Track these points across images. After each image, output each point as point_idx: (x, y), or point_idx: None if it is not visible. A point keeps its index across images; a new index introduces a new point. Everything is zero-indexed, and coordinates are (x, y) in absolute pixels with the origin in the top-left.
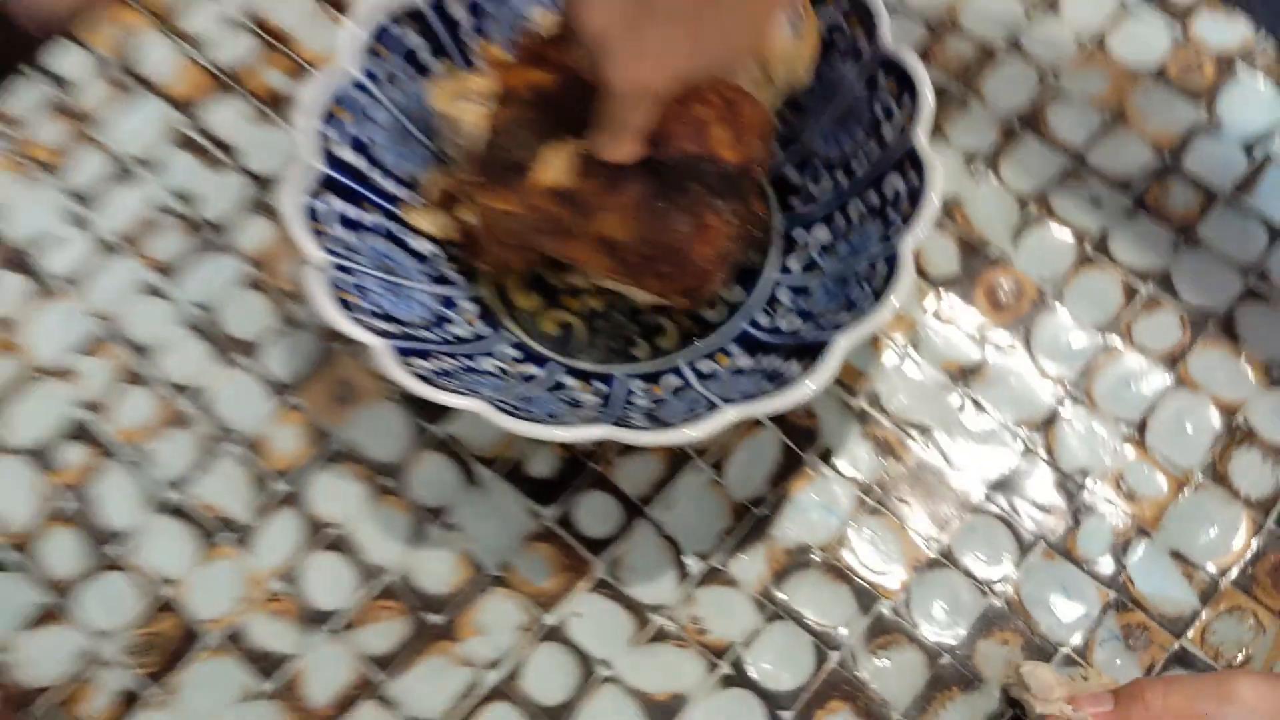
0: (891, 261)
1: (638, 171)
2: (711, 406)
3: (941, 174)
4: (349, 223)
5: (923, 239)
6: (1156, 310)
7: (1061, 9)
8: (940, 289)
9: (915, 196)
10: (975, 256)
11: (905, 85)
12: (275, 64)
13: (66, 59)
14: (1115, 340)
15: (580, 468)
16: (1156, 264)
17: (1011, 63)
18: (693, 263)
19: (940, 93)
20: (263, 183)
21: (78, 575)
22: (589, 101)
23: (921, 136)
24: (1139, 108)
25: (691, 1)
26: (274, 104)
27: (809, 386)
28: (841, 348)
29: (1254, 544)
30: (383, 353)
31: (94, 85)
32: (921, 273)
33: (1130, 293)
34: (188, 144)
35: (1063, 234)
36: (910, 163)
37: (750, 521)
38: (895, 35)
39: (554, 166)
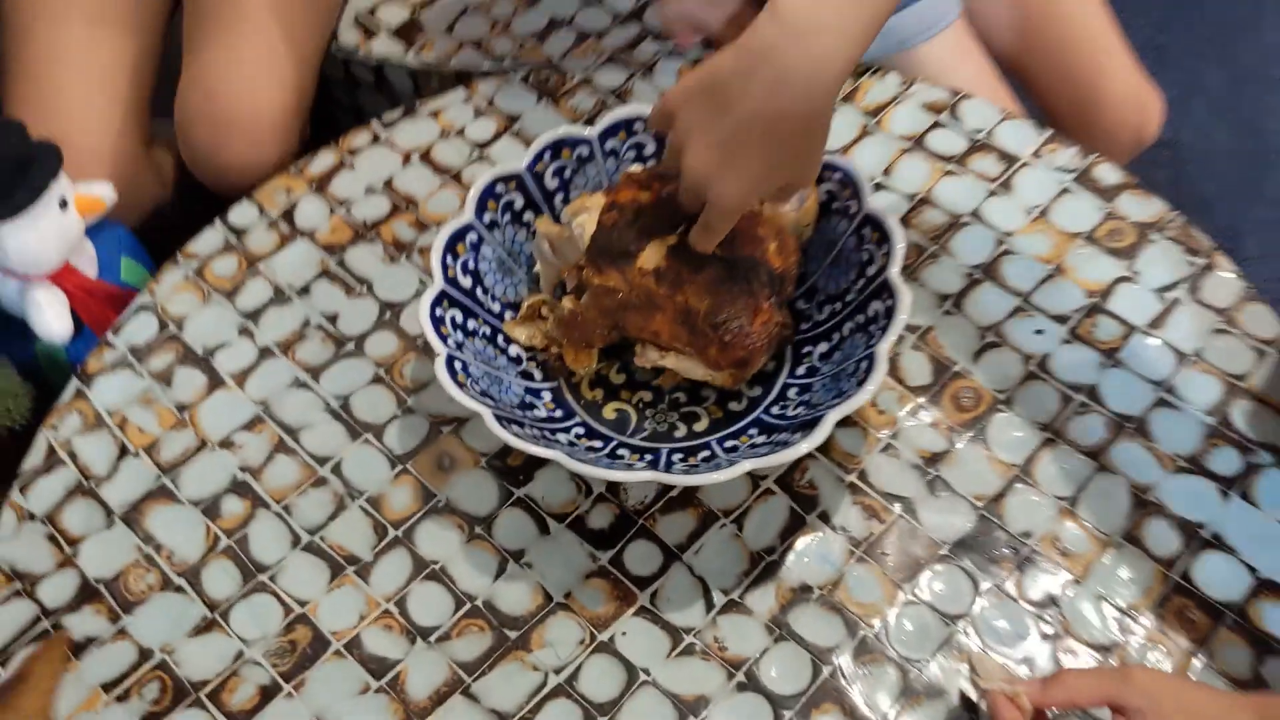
0: (871, 360)
1: (714, 261)
2: (732, 464)
3: (910, 299)
4: (462, 328)
5: (894, 343)
6: (1087, 413)
7: (1015, 188)
8: (917, 395)
9: (890, 314)
10: (944, 371)
11: (883, 235)
12: (403, 218)
13: (243, 212)
14: (1052, 436)
15: (630, 522)
16: (1087, 379)
17: (974, 227)
18: (748, 335)
19: (918, 249)
20: (389, 307)
21: (233, 596)
22: (673, 213)
23: (895, 272)
24: (1073, 263)
25: (761, 151)
26: (400, 248)
27: (803, 446)
28: (831, 420)
29: (1161, 591)
30: (488, 417)
31: (262, 232)
32: (902, 383)
33: (1066, 400)
34: (332, 277)
35: (1013, 356)
36: (886, 291)
37: (763, 566)
38: (879, 204)
39: (653, 254)
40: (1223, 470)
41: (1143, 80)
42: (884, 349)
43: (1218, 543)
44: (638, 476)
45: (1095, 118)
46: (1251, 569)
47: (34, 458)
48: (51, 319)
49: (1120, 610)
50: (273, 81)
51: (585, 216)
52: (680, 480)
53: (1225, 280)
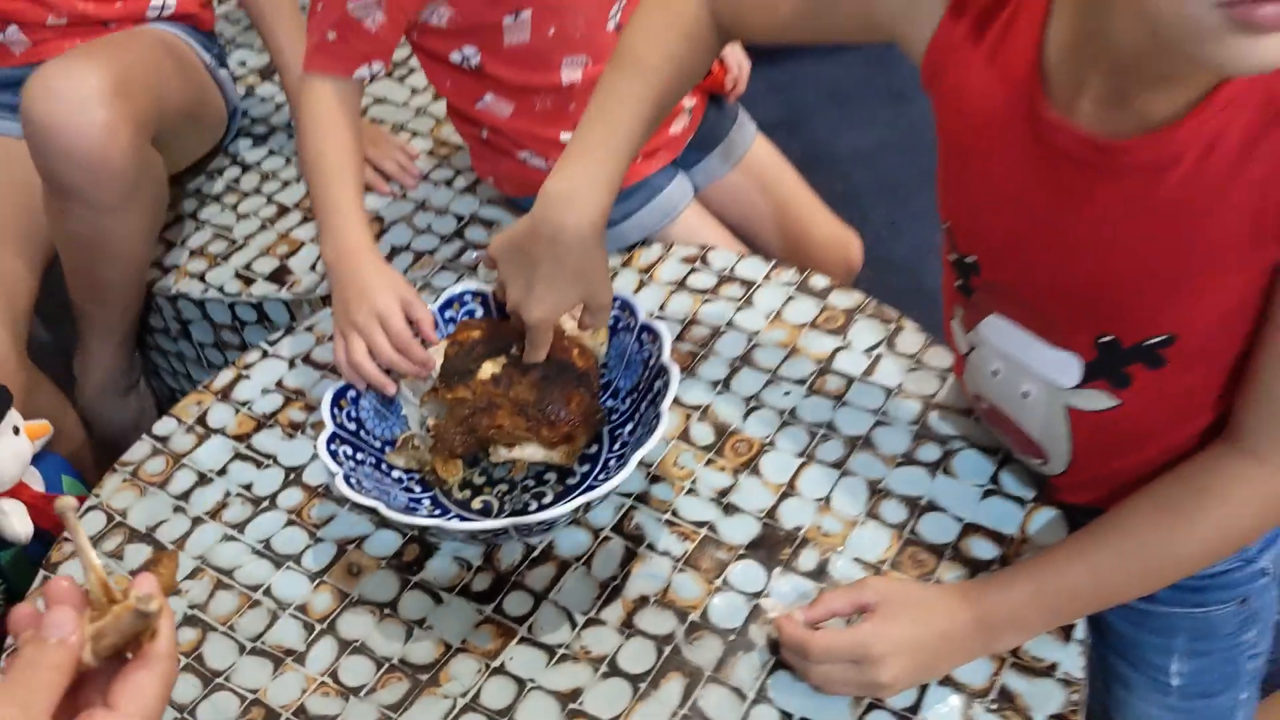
0: (657, 419)
1: (534, 367)
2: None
3: (678, 372)
4: (352, 458)
5: (671, 403)
6: (828, 440)
7: (755, 302)
8: (706, 452)
9: (666, 388)
10: (723, 431)
11: (655, 335)
12: (294, 406)
13: (165, 424)
14: (806, 459)
15: (505, 580)
16: (825, 418)
17: (730, 333)
18: (569, 414)
19: (692, 354)
20: (292, 470)
21: (197, 698)
22: (498, 342)
23: (665, 355)
24: (804, 344)
25: (555, 284)
26: (295, 428)
27: (614, 481)
28: (633, 460)
29: (898, 546)
30: (384, 508)
31: (181, 436)
32: (694, 445)
33: (812, 435)
34: (244, 458)
35: (771, 412)
36: (662, 373)
37: (610, 589)
38: (650, 319)
39: (489, 368)
40: (928, 459)
41: (840, 225)
42: (664, 406)
43: (932, 507)
44: (492, 524)
45: (811, 259)
46: (959, 519)
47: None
48: (16, 523)
49: (872, 565)
50: None
51: (435, 355)
52: (516, 521)
53: (912, 335)
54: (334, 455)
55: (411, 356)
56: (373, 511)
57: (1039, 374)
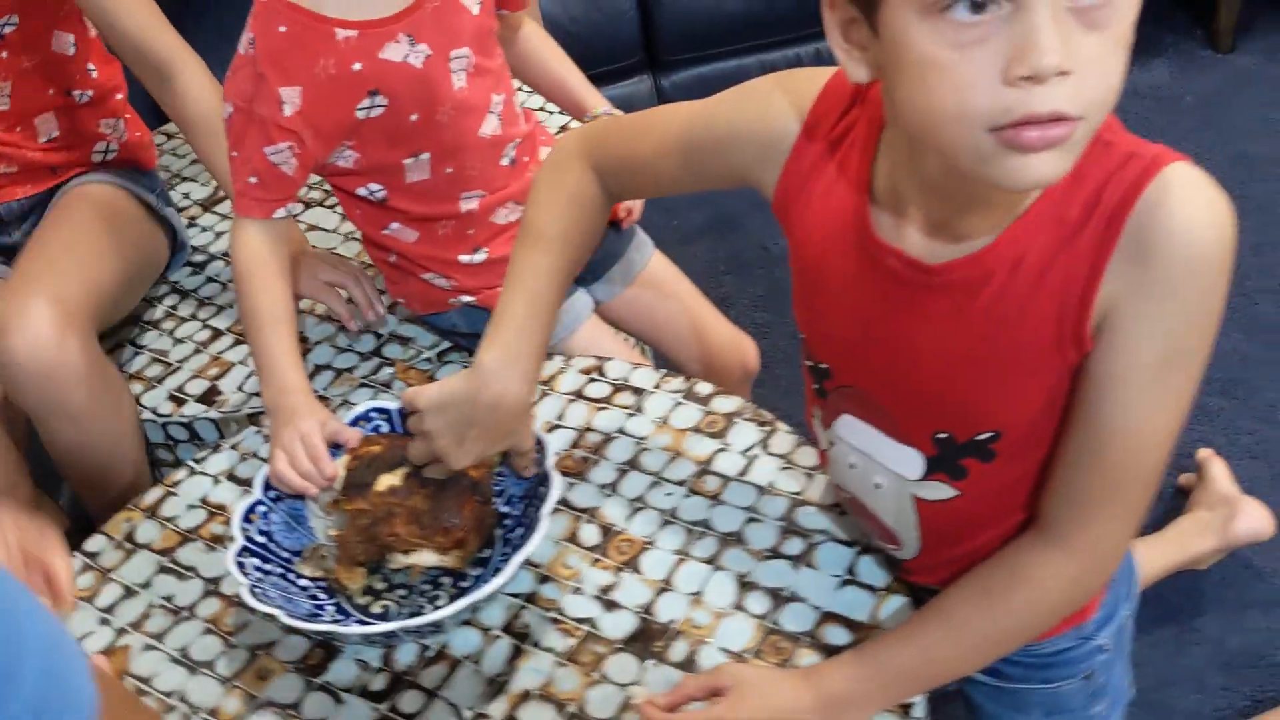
0: (536, 520)
1: (429, 480)
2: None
3: (561, 480)
4: (259, 569)
5: (552, 508)
6: (704, 537)
7: (645, 409)
8: (592, 553)
9: (547, 495)
10: (608, 532)
11: (542, 448)
12: (216, 521)
13: (95, 541)
14: (683, 556)
15: (400, 680)
16: (702, 516)
17: (620, 439)
18: (464, 521)
19: (585, 459)
20: (211, 581)
21: None
22: (396, 458)
23: (549, 464)
24: (687, 447)
25: (486, 440)
26: (217, 540)
27: (490, 587)
28: (514, 562)
29: (760, 635)
30: (283, 616)
31: (111, 551)
32: (581, 546)
33: (689, 532)
34: (167, 570)
35: (654, 513)
36: (545, 481)
37: (496, 685)
38: (541, 433)
39: (386, 480)
40: (792, 552)
41: (736, 330)
42: (544, 511)
43: (794, 598)
44: (376, 628)
45: (711, 363)
46: (816, 608)
47: None
48: None
49: (736, 654)
50: None
51: (339, 469)
52: (400, 625)
53: (784, 437)
54: (241, 567)
55: (321, 469)
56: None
57: (888, 468)
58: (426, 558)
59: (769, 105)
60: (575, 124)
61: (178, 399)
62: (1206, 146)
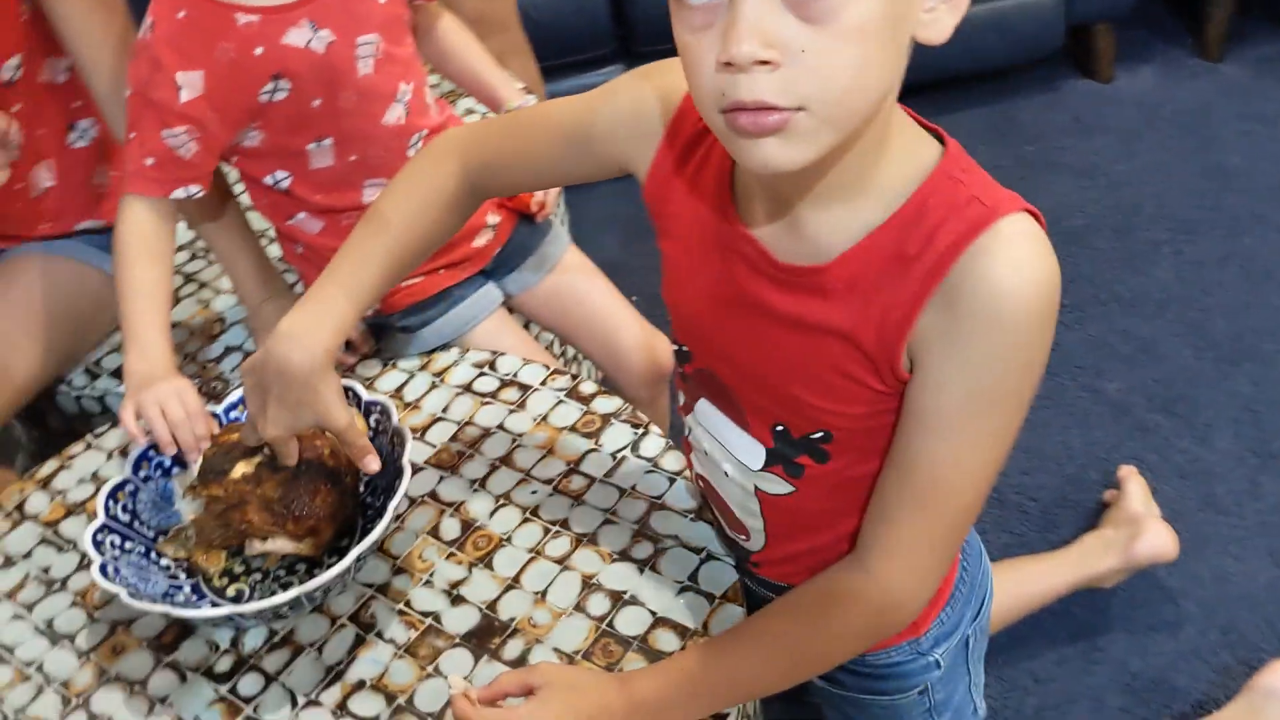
0: (383, 512)
1: (284, 466)
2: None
3: (409, 474)
4: (119, 547)
5: (398, 501)
6: (559, 537)
7: (528, 406)
8: (450, 546)
9: (397, 488)
10: (468, 527)
11: (402, 441)
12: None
13: None
14: (535, 555)
15: (244, 663)
16: (562, 515)
17: (498, 434)
18: (313, 510)
19: (460, 453)
20: (87, 555)
21: None
22: (255, 444)
23: (404, 459)
24: (561, 445)
25: (284, 408)
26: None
27: (333, 572)
28: (353, 553)
29: (594, 638)
30: (125, 596)
31: (0, 521)
32: (439, 539)
33: (546, 530)
34: (49, 543)
35: (515, 511)
36: (399, 474)
37: (333, 674)
38: (402, 426)
39: (241, 468)
40: (640, 556)
41: (649, 329)
42: (391, 504)
43: (633, 601)
44: (207, 613)
45: (620, 361)
46: (652, 613)
47: None
48: None
49: (567, 655)
50: None
51: (196, 456)
52: (229, 610)
53: (654, 440)
54: (98, 545)
55: (195, 427)
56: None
57: (734, 456)
58: (282, 545)
59: (641, 98)
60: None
61: (92, 373)
62: (1182, 156)
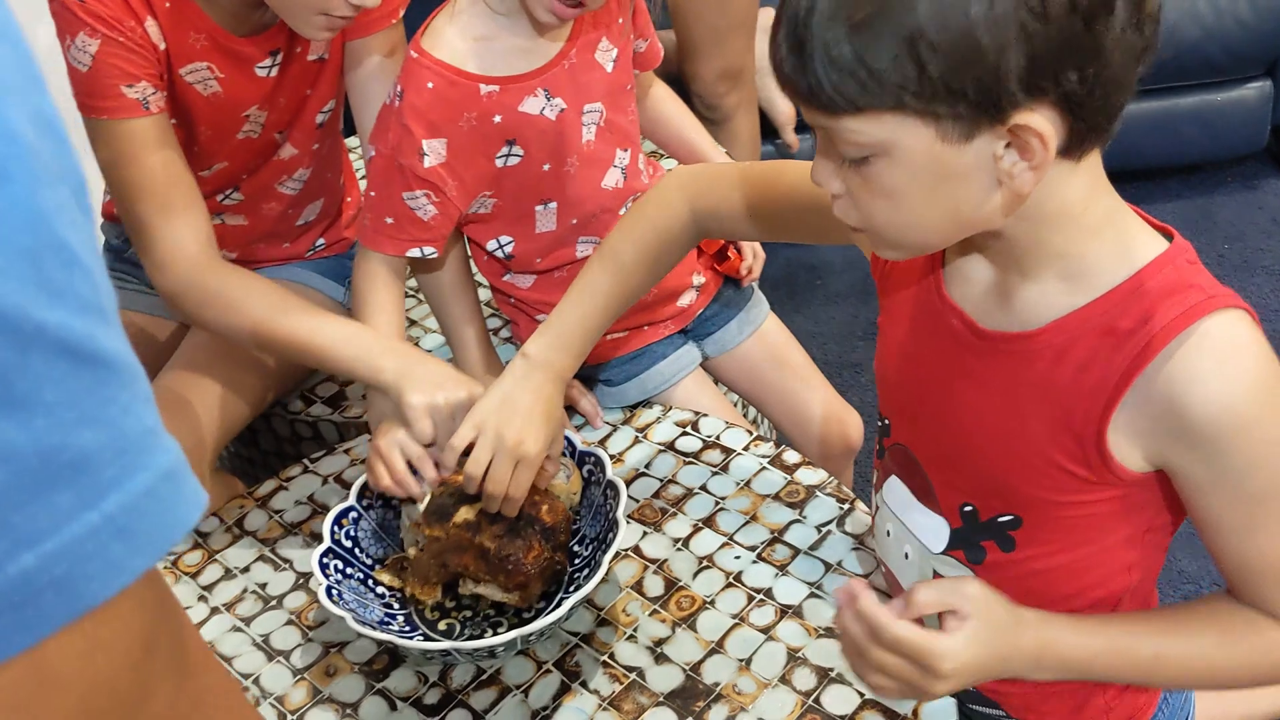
0: (597, 568)
1: (503, 518)
2: (510, 644)
3: (625, 528)
4: (341, 572)
5: (613, 555)
6: (764, 605)
7: (730, 469)
8: (653, 603)
9: (612, 541)
10: (672, 585)
11: (617, 494)
12: (319, 518)
13: (209, 522)
14: (739, 621)
15: (452, 698)
16: (765, 584)
17: (700, 495)
18: (523, 565)
19: (662, 510)
20: (303, 575)
21: None
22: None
23: (619, 513)
24: (764, 513)
25: (522, 424)
26: (315, 538)
27: (538, 624)
28: (567, 604)
29: (798, 713)
30: (352, 621)
31: (220, 534)
32: (644, 595)
33: (750, 599)
34: (265, 560)
35: (719, 574)
36: (614, 527)
37: (540, 718)
38: (617, 479)
39: (464, 514)
40: None
41: (842, 403)
42: (606, 557)
43: (841, 680)
44: (427, 646)
45: (810, 433)
46: (860, 694)
47: None
48: None
49: None
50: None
51: (427, 493)
52: (480, 644)
53: (861, 517)
54: (324, 568)
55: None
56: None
57: (916, 536)
58: (491, 592)
59: None
60: None
61: (308, 399)
62: None
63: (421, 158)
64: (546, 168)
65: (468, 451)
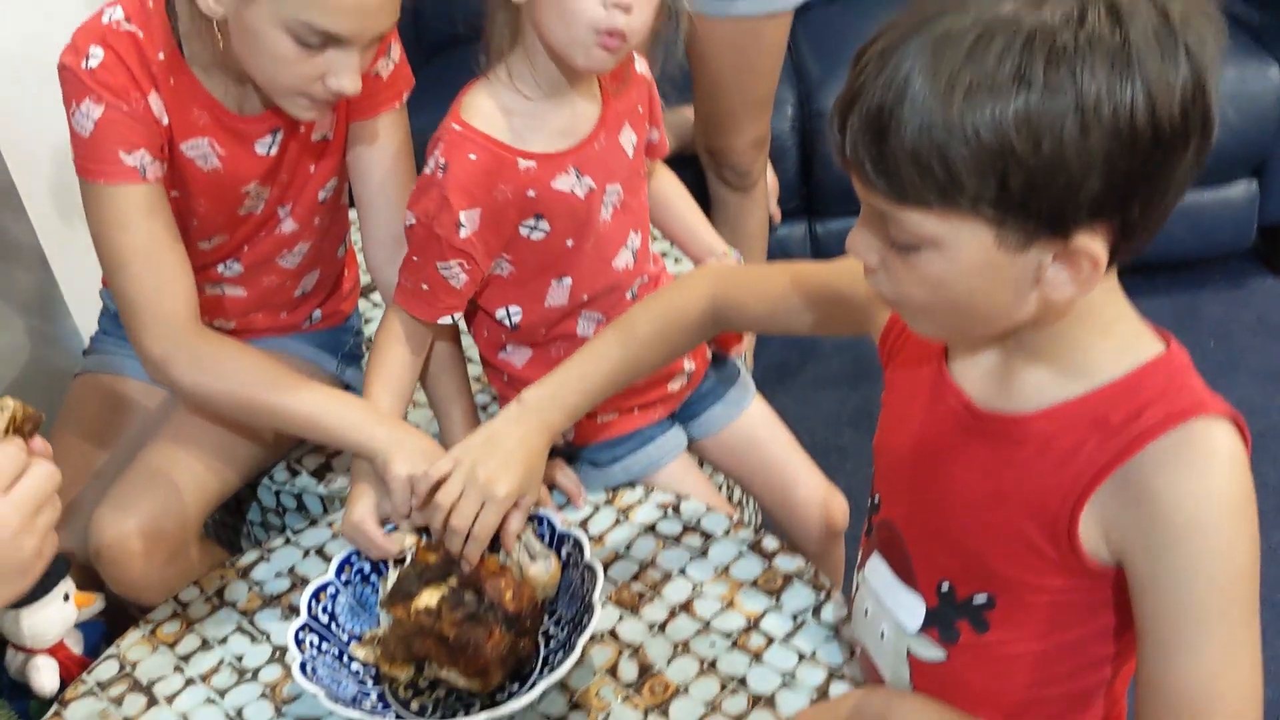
0: (570, 651)
1: (464, 604)
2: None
3: (600, 611)
4: (317, 647)
5: (587, 639)
6: (736, 694)
7: (709, 554)
8: (626, 689)
9: (587, 625)
10: (646, 671)
11: (594, 577)
12: (297, 591)
13: (189, 592)
14: (710, 711)
15: None
16: (739, 673)
17: (678, 579)
18: (483, 654)
19: (640, 594)
20: (280, 649)
21: None
22: (448, 568)
23: (595, 596)
24: (740, 599)
25: (498, 468)
26: (294, 610)
27: (509, 708)
28: (540, 686)
29: None
30: (324, 699)
31: (200, 604)
32: (618, 679)
33: (723, 687)
34: (243, 631)
35: (693, 660)
36: (589, 610)
37: None
38: (595, 561)
39: (426, 598)
40: None
41: (828, 485)
42: (580, 640)
43: None
44: None
45: (795, 514)
46: None
47: None
48: (45, 678)
49: None
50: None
51: (394, 571)
52: None
53: (837, 607)
54: (299, 643)
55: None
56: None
57: (893, 615)
58: (453, 678)
59: None
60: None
61: (293, 470)
62: None
63: (458, 229)
64: (569, 244)
65: None
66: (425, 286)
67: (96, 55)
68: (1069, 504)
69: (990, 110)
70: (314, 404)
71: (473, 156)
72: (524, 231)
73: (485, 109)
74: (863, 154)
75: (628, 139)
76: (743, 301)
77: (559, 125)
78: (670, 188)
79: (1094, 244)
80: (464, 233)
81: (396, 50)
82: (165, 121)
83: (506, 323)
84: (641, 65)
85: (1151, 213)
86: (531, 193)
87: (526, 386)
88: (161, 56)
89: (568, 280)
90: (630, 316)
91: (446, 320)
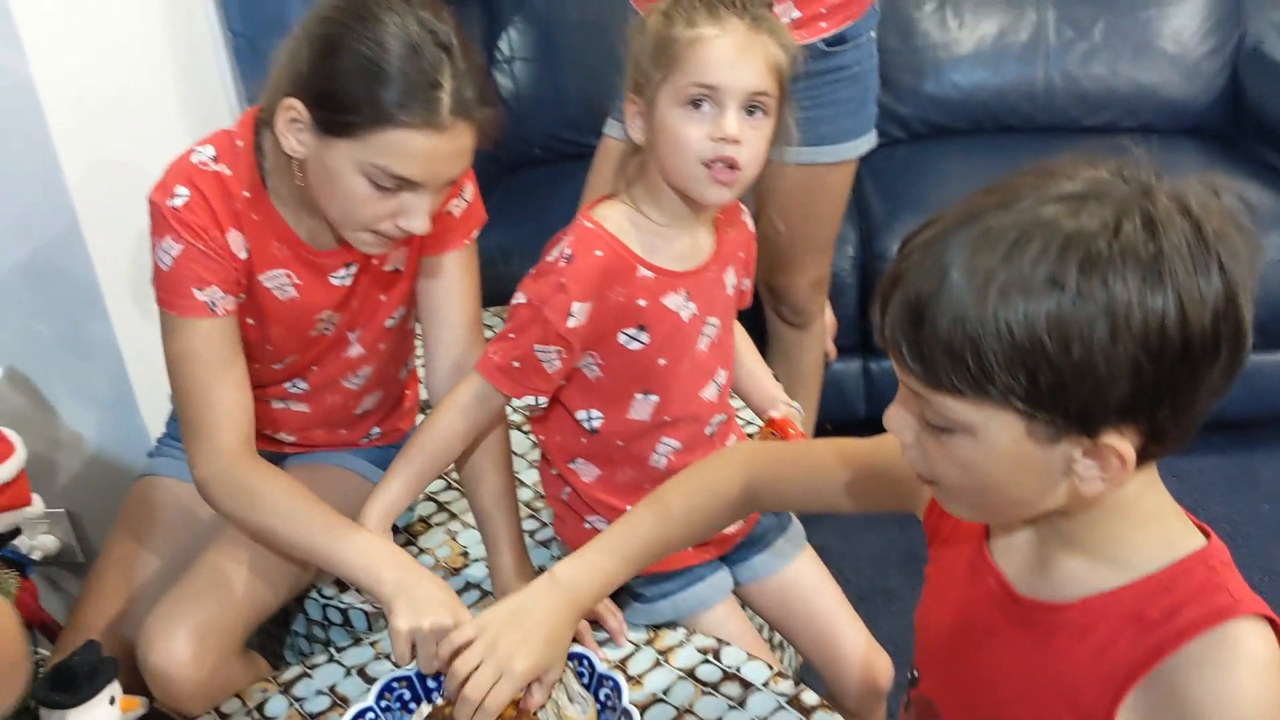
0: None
1: None
2: None
3: None
4: None
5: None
6: None
7: (747, 705)
8: None
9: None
10: None
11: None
12: (335, 711)
13: (230, 704)
14: None
15: None
16: None
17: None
18: None
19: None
20: None
21: None
22: None
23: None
24: None
25: (522, 640)
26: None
27: None
28: None
29: None
30: None
31: (241, 717)
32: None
33: None
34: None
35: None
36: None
37: None
38: (633, 709)
39: None
40: None
41: (872, 644)
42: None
43: None
44: None
45: (838, 671)
46: None
47: None
48: None
49: None
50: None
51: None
52: None
53: None
54: None
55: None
56: None
57: None
58: None
59: None
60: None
61: (341, 584)
62: None
63: (568, 318)
64: (662, 362)
65: None
66: (517, 364)
67: (182, 194)
68: (1105, 699)
69: (1023, 309)
70: (330, 546)
71: (598, 253)
72: (622, 339)
73: (616, 218)
74: (900, 338)
75: (730, 279)
76: (780, 480)
77: (679, 249)
78: (740, 337)
79: (1122, 444)
80: (572, 323)
81: (470, 189)
82: (244, 256)
83: (586, 425)
84: (746, 216)
85: (1181, 418)
86: (642, 302)
87: (562, 560)
88: (246, 194)
89: (654, 398)
90: (664, 493)
91: (531, 400)
